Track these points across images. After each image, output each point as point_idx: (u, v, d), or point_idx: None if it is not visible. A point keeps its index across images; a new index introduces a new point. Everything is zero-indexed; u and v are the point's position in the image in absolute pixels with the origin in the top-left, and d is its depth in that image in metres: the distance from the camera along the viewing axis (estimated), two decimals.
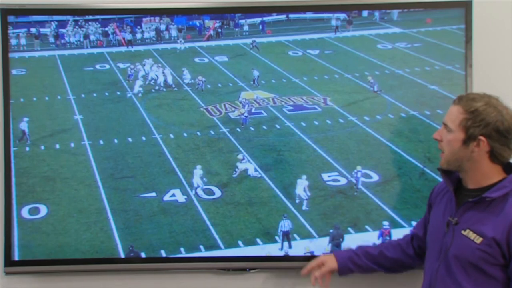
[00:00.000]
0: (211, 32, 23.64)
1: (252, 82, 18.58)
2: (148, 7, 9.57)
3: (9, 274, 8.72)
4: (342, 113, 16.43)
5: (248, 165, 11.79)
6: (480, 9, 9.15)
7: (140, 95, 16.80)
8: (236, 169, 11.88)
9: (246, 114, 13.29)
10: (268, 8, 10.84)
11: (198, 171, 11.57)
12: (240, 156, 12.10)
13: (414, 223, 9.54)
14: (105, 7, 9.75)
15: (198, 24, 24.49)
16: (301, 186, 10.73)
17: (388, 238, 9.16)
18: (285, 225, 9.66)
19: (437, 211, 6.34)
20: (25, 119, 13.60)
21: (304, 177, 10.72)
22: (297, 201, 10.70)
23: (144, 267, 9.04)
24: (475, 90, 9.43)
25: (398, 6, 10.39)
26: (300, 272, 8.18)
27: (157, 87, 18.15)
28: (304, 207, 10.48)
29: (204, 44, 23.80)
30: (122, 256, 9.30)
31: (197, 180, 11.33)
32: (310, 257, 9.05)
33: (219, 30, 23.85)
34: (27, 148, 13.34)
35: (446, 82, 15.30)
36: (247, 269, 8.87)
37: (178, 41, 23.61)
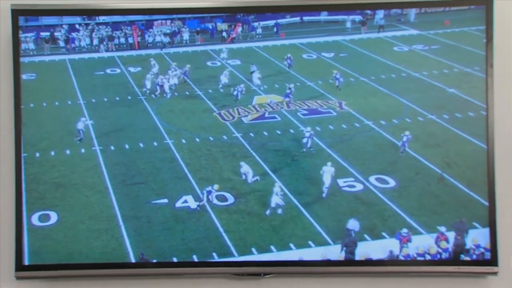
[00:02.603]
0: (223, 34, 23.66)
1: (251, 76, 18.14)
2: (159, 7, 9.60)
3: (20, 279, 8.77)
4: (358, 117, 16.38)
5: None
6: (501, 8, 9.08)
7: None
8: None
9: (309, 132, 12.88)
10: (281, 7, 10.83)
11: (277, 189, 11.50)
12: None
13: (441, 228, 9.44)
14: (116, 7, 9.76)
15: (210, 27, 24.61)
16: (328, 174, 10.68)
17: (406, 245, 9.11)
18: None
19: None
20: (82, 119, 13.71)
21: (329, 163, 10.65)
22: (324, 191, 10.61)
23: (156, 272, 9.05)
24: (496, 91, 9.38)
25: (417, 5, 10.36)
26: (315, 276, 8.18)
27: (169, 94, 18.07)
28: (324, 195, 10.41)
29: (216, 47, 24.01)
30: None
31: (276, 199, 11.27)
32: (325, 262, 9.01)
33: (231, 33, 23.81)
34: (37, 154, 13.45)
35: (465, 85, 15.21)
36: (262, 274, 8.87)
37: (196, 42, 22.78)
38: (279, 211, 10.80)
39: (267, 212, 10.72)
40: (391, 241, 9.65)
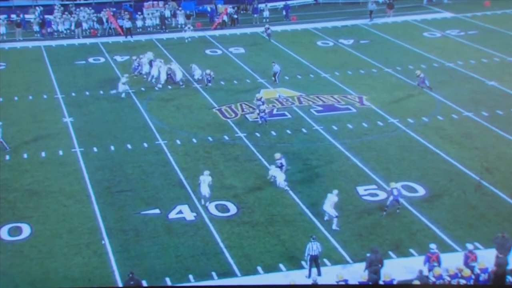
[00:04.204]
0: (224, 18, 23.55)
1: (272, 79, 18.45)
2: None
3: None
4: (381, 115, 16.26)
5: (278, 174, 11.65)
6: None
7: (123, 95, 16.64)
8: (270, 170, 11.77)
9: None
10: None
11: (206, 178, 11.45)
12: (277, 155, 12.03)
13: (469, 246, 9.31)
14: None
15: (209, 9, 24.45)
16: (329, 203, 10.55)
17: (436, 264, 8.98)
18: (313, 248, 9.59)
19: None
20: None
21: (336, 192, 10.54)
22: (325, 218, 10.53)
23: None
24: None
25: None
26: None
27: (160, 85, 17.98)
28: (334, 227, 10.34)
29: (217, 33, 23.64)
30: (120, 285, 9.26)
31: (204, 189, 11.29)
32: (343, 287, 8.83)
33: (235, 16, 23.80)
34: (7, 157, 13.35)
35: (508, 77, 15.04)
36: None
37: (186, 28, 23.68)
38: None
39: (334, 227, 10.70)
40: (420, 259, 9.50)
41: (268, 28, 23.83)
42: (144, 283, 9.88)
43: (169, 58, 20.87)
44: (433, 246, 10.14)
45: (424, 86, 17.64)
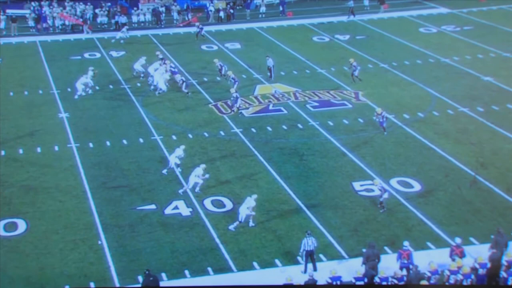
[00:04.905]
0: (220, 14, 23.42)
1: (268, 74, 18.40)
2: None
3: None
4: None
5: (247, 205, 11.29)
6: None
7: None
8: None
9: (236, 94, 12.68)
10: None
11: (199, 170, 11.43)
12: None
13: (457, 240, 9.27)
14: None
15: (207, 5, 24.22)
16: (247, 205, 10.46)
17: (406, 261, 8.95)
18: (309, 243, 9.59)
19: None
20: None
21: (254, 196, 10.45)
22: (240, 219, 10.43)
23: None
24: None
25: None
26: None
27: (161, 92, 17.68)
28: (251, 224, 10.33)
29: (213, 28, 23.60)
30: (116, 280, 9.24)
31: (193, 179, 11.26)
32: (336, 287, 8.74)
33: (231, 11, 23.76)
34: (3, 152, 13.33)
35: (503, 72, 15.01)
36: None
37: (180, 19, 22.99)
38: (251, 223, 10.73)
39: (231, 227, 10.56)
40: (416, 254, 9.50)
41: (202, 28, 23.15)
42: (139, 278, 9.78)
43: (165, 53, 20.87)
44: (406, 243, 10.04)
45: (354, 77, 17.65)
